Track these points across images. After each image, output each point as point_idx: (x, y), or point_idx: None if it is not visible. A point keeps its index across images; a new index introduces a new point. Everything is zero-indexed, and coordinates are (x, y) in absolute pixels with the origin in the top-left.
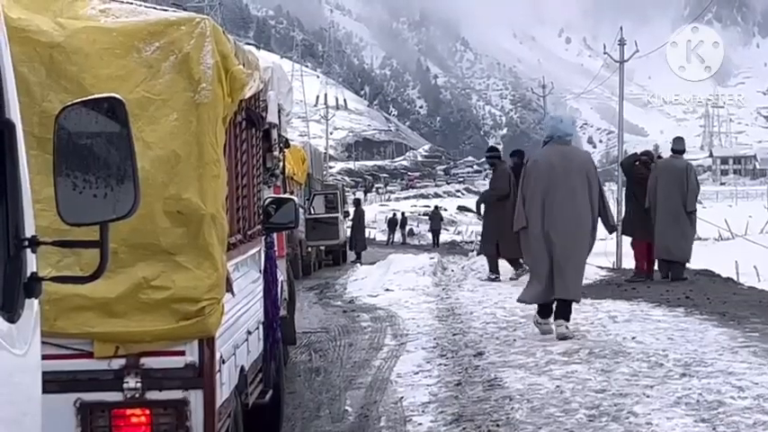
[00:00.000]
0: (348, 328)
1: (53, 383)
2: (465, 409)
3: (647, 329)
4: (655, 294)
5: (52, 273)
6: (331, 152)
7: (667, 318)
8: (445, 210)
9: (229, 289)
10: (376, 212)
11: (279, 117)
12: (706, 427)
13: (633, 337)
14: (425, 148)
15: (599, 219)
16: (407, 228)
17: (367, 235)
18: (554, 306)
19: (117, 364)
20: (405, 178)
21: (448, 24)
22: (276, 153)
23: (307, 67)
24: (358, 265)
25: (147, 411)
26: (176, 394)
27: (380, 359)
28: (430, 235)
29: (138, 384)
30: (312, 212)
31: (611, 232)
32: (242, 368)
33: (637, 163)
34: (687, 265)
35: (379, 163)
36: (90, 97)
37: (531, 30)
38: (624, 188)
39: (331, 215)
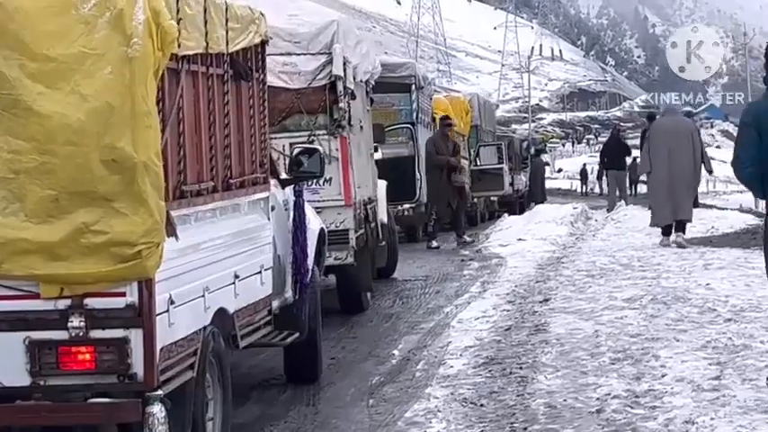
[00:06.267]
0: (447, 276)
1: (3, 323)
2: (499, 353)
3: (730, 276)
4: None
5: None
6: (545, 104)
7: None
8: None
9: (172, 233)
10: (584, 164)
11: (344, 70)
12: (715, 369)
13: (707, 284)
14: (642, 98)
15: (702, 165)
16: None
17: (569, 186)
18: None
19: (62, 304)
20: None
21: None
22: (342, 105)
23: (522, 17)
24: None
25: (92, 349)
26: (118, 333)
27: (453, 305)
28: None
29: (83, 323)
30: (478, 164)
31: (710, 173)
32: (220, 309)
33: None
34: None
35: (592, 114)
36: None
37: None
38: None
39: (496, 166)
